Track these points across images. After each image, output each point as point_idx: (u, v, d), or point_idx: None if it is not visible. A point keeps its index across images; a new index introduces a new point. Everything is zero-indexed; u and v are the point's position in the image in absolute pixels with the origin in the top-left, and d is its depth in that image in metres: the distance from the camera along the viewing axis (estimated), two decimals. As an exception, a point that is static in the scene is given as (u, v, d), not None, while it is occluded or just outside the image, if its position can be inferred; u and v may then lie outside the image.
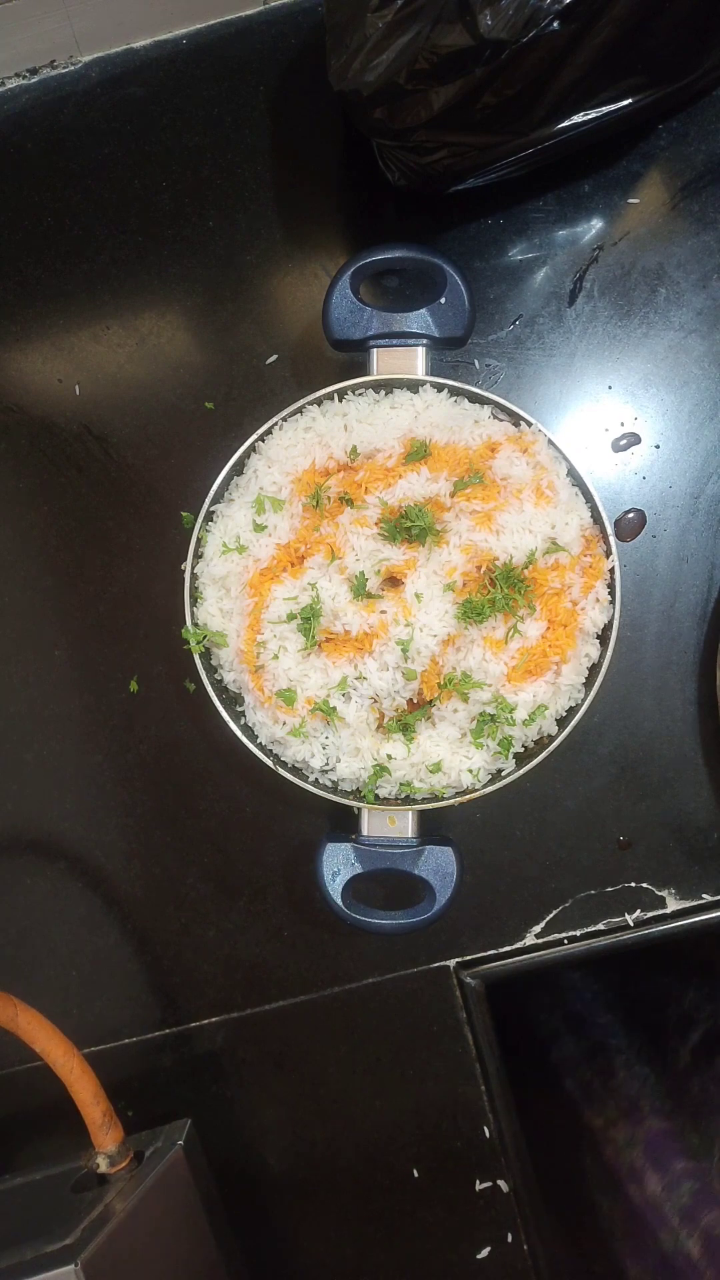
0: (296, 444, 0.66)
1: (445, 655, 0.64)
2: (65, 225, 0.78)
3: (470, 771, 0.66)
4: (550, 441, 0.66)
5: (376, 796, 0.67)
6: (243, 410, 0.77)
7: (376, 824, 0.68)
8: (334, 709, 0.64)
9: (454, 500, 0.64)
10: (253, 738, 0.68)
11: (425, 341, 0.67)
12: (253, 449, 0.68)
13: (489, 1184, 0.77)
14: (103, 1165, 0.64)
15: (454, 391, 0.68)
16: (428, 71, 0.58)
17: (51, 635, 0.78)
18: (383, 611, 0.64)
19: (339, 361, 0.76)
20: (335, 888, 0.67)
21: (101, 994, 0.78)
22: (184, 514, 0.71)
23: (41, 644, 0.78)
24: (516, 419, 0.67)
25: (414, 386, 0.68)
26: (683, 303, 0.76)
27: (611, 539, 0.66)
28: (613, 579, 0.66)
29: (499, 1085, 0.77)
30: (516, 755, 0.66)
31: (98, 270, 0.78)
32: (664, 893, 0.76)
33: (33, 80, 0.79)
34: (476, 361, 0.76)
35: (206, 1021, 0.78)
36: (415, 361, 0.68)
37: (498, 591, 0.63)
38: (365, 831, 0.68)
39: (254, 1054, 0.78)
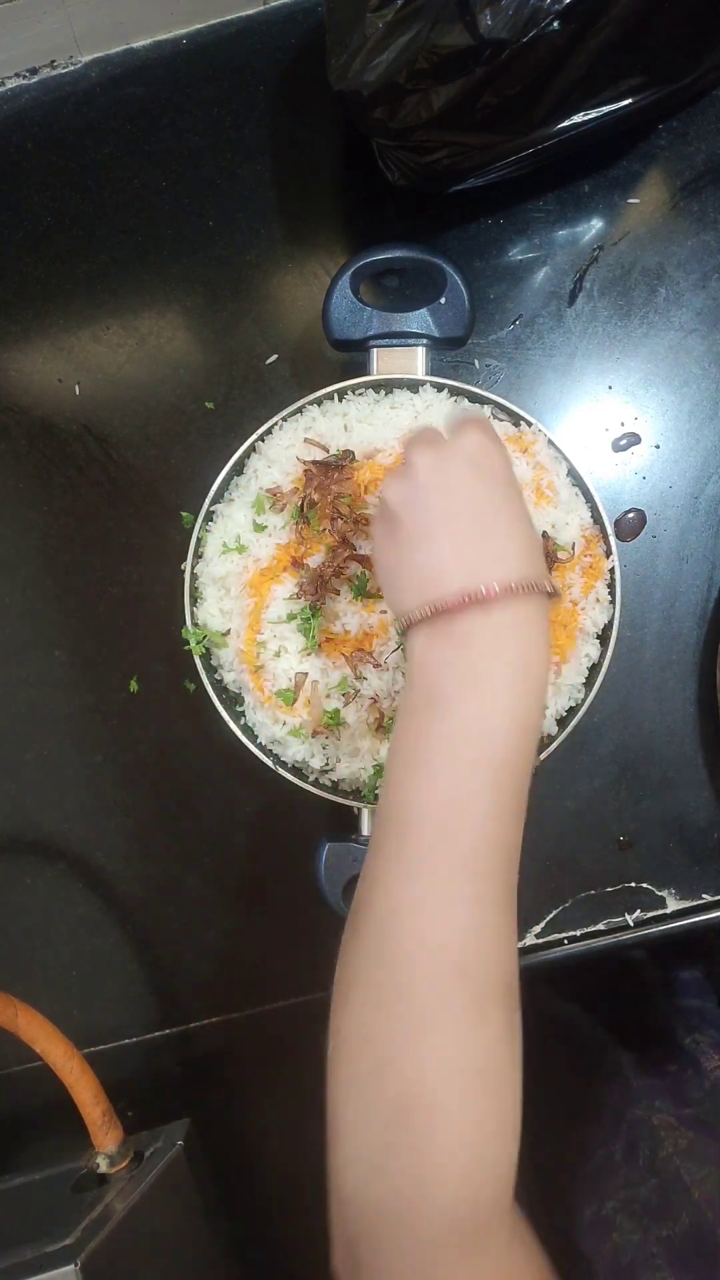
0: (296, 444, 0.66)
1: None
2: (65, 225, 0.78)
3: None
4: (550, 441, 0.66)
5: (376, 796, 0.67)
6: (243, 410, 0.77)
7: (376, 824, 0.68)
8: (335, 709, 0.64)
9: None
10: (253, 738, 0.68)
11: (425, 341, 0.67)
12: (253, 449, 0.68)
13: (489, 1184, 0.77)
14: (103, 1165, 0.64)
15: (454, 391, 0.68)
16: (428, 71, 0.58)
17: (51, 635, 0.78)
18: (383, 611, 0.64)
19: (339, 361, 0.76)
20: (335, 888, 0.67)
21: (101, 994, 0.78)
22: (184, 514, 0.71)
23: (41, 644, 0.78)
24: (516, 419, 0.67)
25: (414, 386, 0.68)
26: (683, 303, 0.76)
27: (611, 539, 0.66)
28: (613, 579, 0.66)
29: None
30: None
31: (98, 270, 0.78)
32: (664, 893, 0.76)
33: (33, 80, 0.79)
34: (476, 361, 0.76)
35: (206, 1021, 0.78)
36: (415, 361, 0.68)
37: None
38: (365, 831, 0.68)
39: (254, 1054, 0.78)
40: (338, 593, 0.64)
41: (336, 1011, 0.44)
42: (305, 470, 0.65)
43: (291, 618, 0.64)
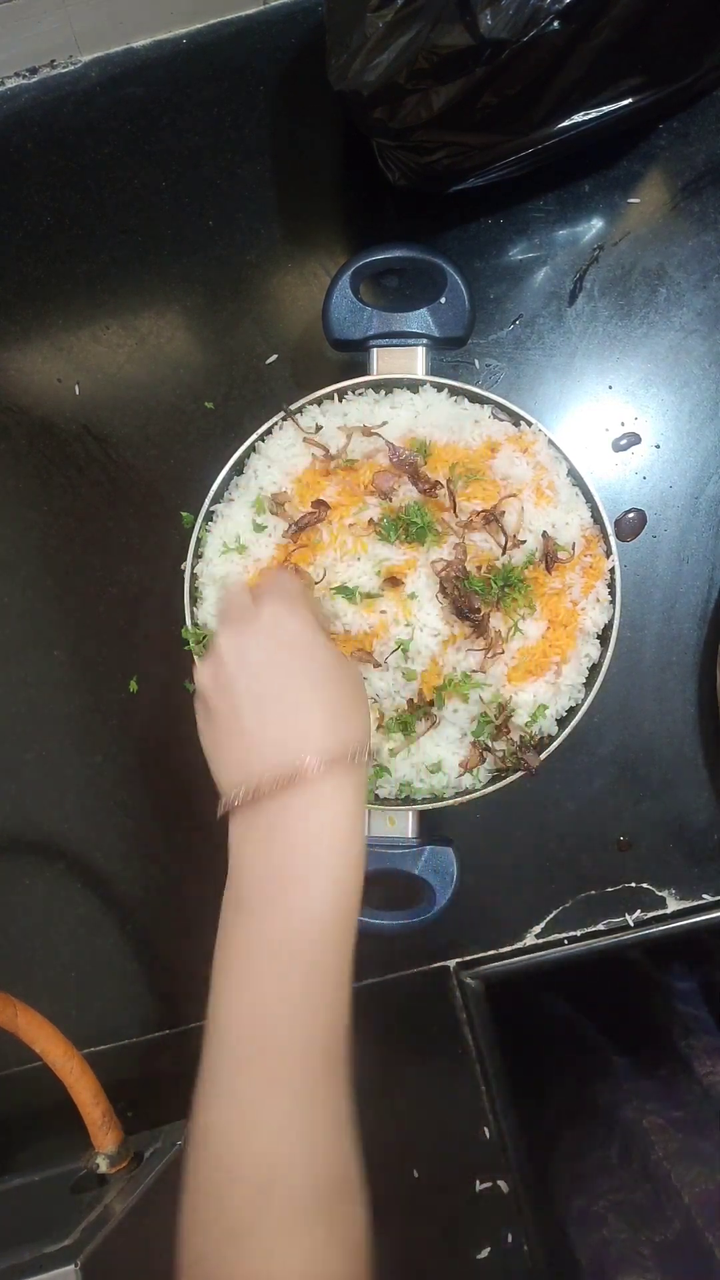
0: (296, 444, 0.66)
1: (445, 655, 0.64)
2: (65, 225, 0.78)
3: (470, 771, 0.66)
4: (550, 441, 0.66)
5: (376, 796, 0.67)
6: (243, 410, 0.77)
7: (376, 824, 0.68)
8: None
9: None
10: (253, 738, 0.68)
11: (425, 341, 0.67)
12: (253, 449, 0.68)
13: (489, 1184, 0.77)
14: (102, 1166, 0.64)
15: (454, 391, 0.68)
16: (428, 71, 0.58)
17: (51, 635, 0.78)
18: (382, 611, 0.64)
19: (339, 361, 0.76)
20: (335, 888, 0.67)
21: (101, 994, 0.78)
22: (184, 514, 0.71)
23: (41, 644, 0.78)
24: (516, 419, 0.67)
25: (414, 386, 0.68)
26: (683, 303, 0.75)
27: (612, 539, 0.66)
28: (613, 579, 0.66)
29: (499, 1085, 0.77)
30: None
31: (98, 270, 0.78)
32: (664, 893, 0.76)
33: (33, 80, 0.79)
34: (476, 361, 0.76)
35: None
36: (415, 361, 0.68)
37: (496, 579, 0.63)
38: (365, 831, 0.68)
39: (254, 1054, 0.78)
40: None
41: (177, 1229, 0.44)
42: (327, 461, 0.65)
43: (291, 618, 0.64)
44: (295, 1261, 0.40)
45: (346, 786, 0.47)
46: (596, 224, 0.76)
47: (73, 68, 0.79)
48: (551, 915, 0.76)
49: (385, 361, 0.68)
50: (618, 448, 0.76)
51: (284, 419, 0.67)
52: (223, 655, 0.50)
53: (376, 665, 0.64)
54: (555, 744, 0.66)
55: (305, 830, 0.46)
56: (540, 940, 0.77)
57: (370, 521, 0.64)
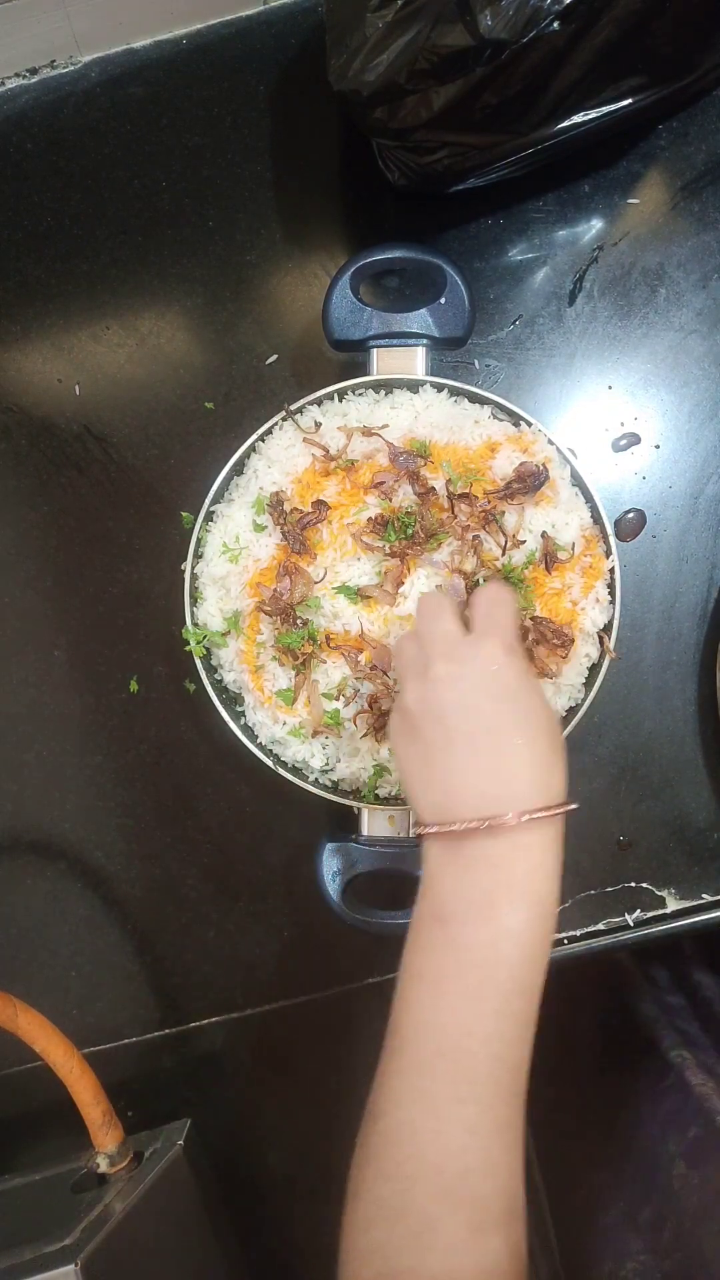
0: (296, 444, 0.66)
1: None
2: (65, 225, 0.78)
3: (470, 771, 0.66)
4: (550, 441, 0.66)
5: (376, 796, 0.67)
6: (243, 410, 0.77)
7: (376, 824, 0.68)
8: (335, 709, 0.64)
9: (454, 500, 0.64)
10: (253, 738, 0.68)
11: (425, 341, 0.67)
12: (253, 449, 0.68)
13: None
14: (103, 1165, 0.64)
15: (454, 391, 0.68)
16: (428, 71, 0.58)
17: (51, 635, 0.78)
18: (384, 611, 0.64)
19: (339, 361, 0.76)
20: (335, 888, 0.67)
21: (101, 994, 0.78)
22: (184, 514, 0.71)
23: (41, 644, 0.78)
24: (516, 419, 0.67)
25: (414, 386, 0.68)
26: (683, 303, 0.76)
27: (611, 539, 0.66)
28: (613, 579, 0.66)
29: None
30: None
31: (98, 270, 0.78)
32: (664, 893, 0.76)
33: (33, 80, 0.79)
34: (476, 361, 0.76)
35: (206, 1022, 0.78)
36: (415, 361, 0.68)
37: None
38: (365, 831, 0.68)
39: (254, 1054, 0.78)
40: (304, 621, 0.64)
41: (345, 1220, 0.45)
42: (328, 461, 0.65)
43: (291, 618, 0.64)
44: (479, 1262, 0.41)
45: (550, 836, 0.48)
46: (596, 224, 0.76)
47: (73, 68, 0.79)
48: (551, 915, 0.76)
49: (385, 362, 0.68)
50: (618, 448, 0.76)
51: (284, 419, 0.67)
52: (437, 683, 0.50)
53: (375, 667, 0.64)
54: (555, 744, 0.66)
55: (506, 869, 0.47)
56: (540, 940, 0.77)
57: (370, 520, 0.64)
